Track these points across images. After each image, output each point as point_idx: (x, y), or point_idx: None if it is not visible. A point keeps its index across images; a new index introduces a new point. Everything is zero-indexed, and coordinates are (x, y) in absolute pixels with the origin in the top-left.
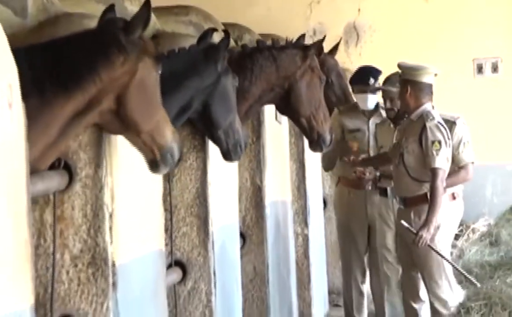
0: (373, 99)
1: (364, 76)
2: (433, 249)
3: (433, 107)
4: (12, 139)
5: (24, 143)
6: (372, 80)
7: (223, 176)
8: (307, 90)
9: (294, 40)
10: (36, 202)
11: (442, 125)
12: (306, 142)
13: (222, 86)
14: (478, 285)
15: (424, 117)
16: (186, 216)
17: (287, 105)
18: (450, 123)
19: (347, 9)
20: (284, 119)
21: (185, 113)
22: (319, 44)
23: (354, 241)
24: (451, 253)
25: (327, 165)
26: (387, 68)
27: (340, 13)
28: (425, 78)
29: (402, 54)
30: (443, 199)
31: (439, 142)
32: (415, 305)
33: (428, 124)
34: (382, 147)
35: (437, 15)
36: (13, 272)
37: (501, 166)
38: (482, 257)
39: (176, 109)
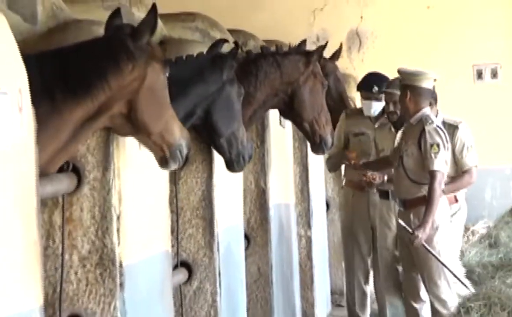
0: (377, 106)
1: (369, 84)
2: (427, 249)
3: (437, 111)
4: (22, 143)
5: (34, 146)
6: (376, 89)
7: (228, 179)
8: (310, 96)
9: (283, 41)
10: (45, 204)
11: (441, 129)
12: (309, 146)
13: (226, 94)
14: (472, 290)
15: (423, 121)
16: (192, 217)
17: (291, 110)
18: (453, 128)
19: (349, 16)
20: (288, 124)
21: (189, 119)
22: (321, 50)
23: (357, 242)
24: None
25: (331, 167)
26: (389, 74)
27: (343, 20)
28: (424, 84)
29: (403, 60)
30: (445, 201)
31: (438, 145)
32: (416, 305)
33: (427, 128)
34: (383, 150)
35: (438, 22)
36: (23, 273)
37: (500, 170)
38: (482, 258)
39: (181, 115)
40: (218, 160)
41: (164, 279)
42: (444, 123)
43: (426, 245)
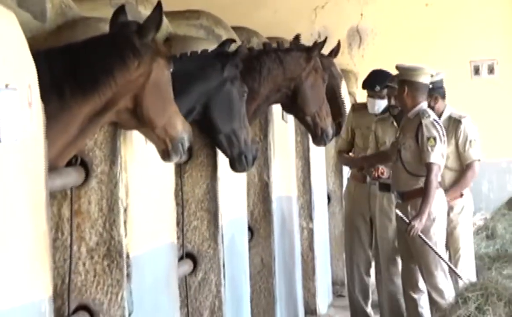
0: (381, 104)
1: (371, 83)
2: (423, 239)
3: (445, 106)
4: (32, 137)
5: (43, 141)
6: (378, 88)
7: (232, 173)
8: (312, 90)
9: (292, 40)
10: (54, 197)
11: (438, 122)
12: (311, 140)
13: (226, 91)
14: (466, 281)
15: (420, 115)
16: (197, 210)
17: (293, 105)
18: (457, 122)
19: (350, 13)
20: (290, 118)
21: (190, 114)
22: (321, 45)
23: (358, 232)
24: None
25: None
26: (388, 70)
27: (343, 17)
28: (421, 79)
29: (402, 56)
30: (442, 194)
31: (434, 138)
32: (415, 295)
33: (424, 122)
34: (384, 143)
35: (436, 19)
36: (33, 264)
37: (497, 163)
38: (479, 250)
39: (183, 110)
40: (222, 155)
41: (170, 270)
42: (450, 117)
43: (422, 236)
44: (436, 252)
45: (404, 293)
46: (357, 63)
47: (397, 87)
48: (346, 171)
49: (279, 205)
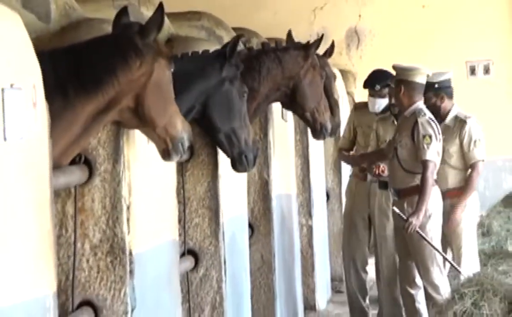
0: (381, 103)
1: (371, 82)
2: (421, 235)
3: (453, 105)
4: (36, 136)
5: (47, 140)
6: (378, 87)
7: (233, 171)
8: (310, 87)
9: (285, 38)
10: (59, 194)
11: (433, 121)
12: (310, 139)
13: (225, 90)
14: (465, 275)
15: (417, 113)
16: (199, 207)
17: (293, 102)
18: (462, 122)
19: (348, 14)
20: (290, 117)
21: (190, 113)
22: (318, 43)
23: (356, 229)
24: None
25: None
26: (386, 70)
27: (342, 18)
28: (418, 78)
29: (399, 57)
30: (438, 191)
31: (430, 136)
32: (412, 291)
33: (420, 120)
34: (386, 141)
35: (433, 20)
36: (37, 260)
37: (493, 161)
38: None
39: (183, 109)
40: (223, 153)
41: (172, 266)
42: (456, 117)
43: (420, 231)
44: (434, 247)
45: (401, 289)
46: (355, 64)
47: (394, 86)
48: (345, 168)
49: (279, 203)
